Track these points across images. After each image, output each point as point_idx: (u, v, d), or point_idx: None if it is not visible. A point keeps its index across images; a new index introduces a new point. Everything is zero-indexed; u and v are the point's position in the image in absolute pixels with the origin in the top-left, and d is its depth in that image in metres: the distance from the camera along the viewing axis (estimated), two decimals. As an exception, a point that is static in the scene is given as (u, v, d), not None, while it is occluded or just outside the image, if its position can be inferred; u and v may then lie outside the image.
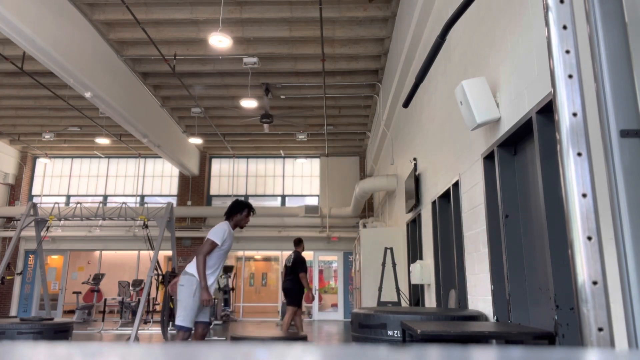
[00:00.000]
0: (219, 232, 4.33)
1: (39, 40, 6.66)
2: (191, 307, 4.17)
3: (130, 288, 12.92)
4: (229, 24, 8.28)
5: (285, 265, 7.99)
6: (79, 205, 9.58)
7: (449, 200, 5.48)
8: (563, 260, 2.83)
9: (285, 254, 15.43)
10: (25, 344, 0.44)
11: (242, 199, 15.58)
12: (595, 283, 1.10)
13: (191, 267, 4.28)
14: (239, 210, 4.50)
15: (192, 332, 4.24)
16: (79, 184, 15.84)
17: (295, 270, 7.73)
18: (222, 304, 13.16)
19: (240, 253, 16.00)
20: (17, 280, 14.89)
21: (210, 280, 4.31)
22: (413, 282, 6.59)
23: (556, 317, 2.77)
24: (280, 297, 15.06)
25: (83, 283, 13.44)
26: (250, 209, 4.56)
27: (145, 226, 9.24)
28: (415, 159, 7.28)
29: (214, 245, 4.28)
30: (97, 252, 15.65)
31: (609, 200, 1.53)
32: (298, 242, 8.17)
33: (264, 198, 15.77)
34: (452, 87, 5.07)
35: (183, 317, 4.15)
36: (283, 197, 15.67)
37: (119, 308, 12.69)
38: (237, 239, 15.11)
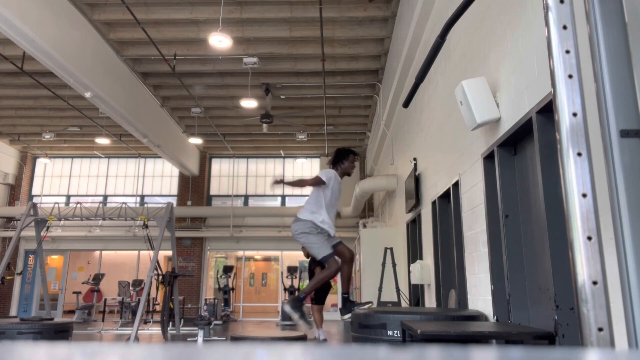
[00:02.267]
0: (324, 172, 4.28)
1: (39, 40, 6.66)
2: (314, 240, 4.14)
3: (130, 288, 12.92)
4: (229, 24, 8.28)
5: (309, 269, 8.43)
6: (79, 205, 9.58)
7: (449, 200, 5.48)
8: (563, 260, 2.83)
9: (285, 254, 15.43)
10: (25, 344, 0.44)
11: (242, 199, 15.60)
12: (595, 283, 1.10)
13: (301, 213, 4.25)
14: (344, 157, 4.42)
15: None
16: (79, 184, 15.84)
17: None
18: (222, 304, 13.16)
19: (240, 253, 15.99)
20: (17, 280, 14.89)
21: (323, 217, 4.24)
22: (413, 282, 6.59)
23: (556, 317, 2.77)
24: (281, 297, 15.06)
25: (83, 283, 13.44)
26: (355, 154, 4.47)
27: (145, 226, 9.24)
28: (415, 159, 7.28)
29: (319, 181, 4.20)
30: (97, 252, 15.66)
31: (609, 200, 1.53)
32: None
33: (264, 198, 15.77)
34: (452, 87, 5.06)
35: (316, 250, 4.13)
36: (283, 197, 15.67)
37: (119, 308, 12.69)
38: (238, 239, 15.11)
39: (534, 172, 3.38)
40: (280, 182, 4.17)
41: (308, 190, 4.47)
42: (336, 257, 4.17)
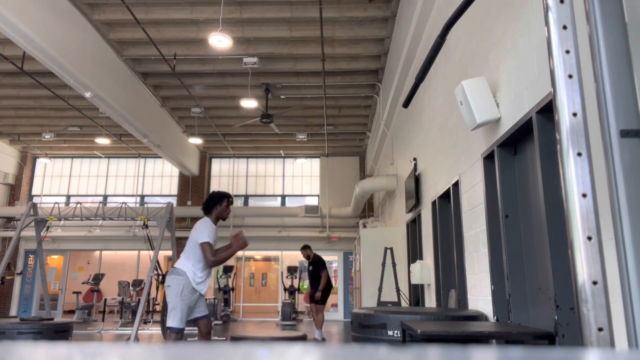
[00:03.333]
0: (205, 230, 4.13)
1: (39, 41, 6.66)
2: (180, 307, 3.99)
3: (130, 288, 12.92)
4: (229, 24, 8.28)
5: (308, 270, 8.53)
6: (79, 205, 9.58)
7: (449, 200, 5.48)
8: (563, 260, 2.83)
9: (285, 254, 15.43)
10: (25, 344, 0.44)
11: (242, 199, 15.60)
12: (595, 283, 1.10)
13: (179, 264, 4.11)
14: (218, 202, 4.29)
15: (182, 334, 4.08)
16: (79, 184, 15.84)
17: (319, 271, 8.35)
18: (222, 304, 13.16)
19: (240, 253, 15.99)
20: (17, 280, 14.89)
21: (203, 281, 4.15)
22: (413, 282, 6.59)
23: (556, 317, 2.77)
24: (281, 297, 15.06)
25: (83, 283, 13.44)
26: (229, 198, 4.34)
27: (145, 226, 9.24)
28: (415, 159, 7.28)
29: (211, 246, 4.12)
30: (97, 252, 15.65)
31: (609, 200, 1.53)
32: (307, 247, 8.74)
33: (264, 198, 15.77)
34: (452, 87, 5.07)
35: (172, 317, 3.99)
36: (283, 197, 15.67)
37: (119, 308, 12.69)
38: (237, 239, 15.09)
39: (534, 172, 3.38)
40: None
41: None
42: (180, 336, 4.04)
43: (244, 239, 4.23)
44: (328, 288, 8.32)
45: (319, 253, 15.03)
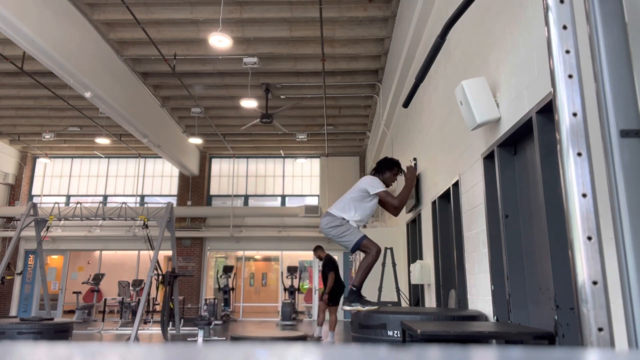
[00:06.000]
0: (376, 183, 4.14)
1: (39, 41, 6.66)
2: (347, 229, 4.01)
3: (130, 288, 12.92)
4: (229, 24, 8.28)
5: (322, 271, 8.53)
6: (79, 205, 9.58)
7: (449, 200, 5.48)
8: (563, 260, 2.83)
9: (285, 254, 15.43)
10: (25, 344, 0.44)
11: (242, 199, 15.60)
12: (595, 283, 1.10)
13: (337, 212, 4.11)
14: (389, 167, 4.31)
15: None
16: (79, 184, 15.84)
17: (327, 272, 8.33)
18: (222, 304, 13.16)
19: (240, 253, 15.99)
20: (17, 280, 14.89)
21: (358, 217, 4.13)
22: (413, 282, 6.59)
23: (556, 317, 2.77)
24: (281, 297, 15.06)
25: (83, 283, 13.44)
26: (399, 167, 4.36)
27: (145, 226, 9.24)
28: (415, 159, 7.28)
29: (388, 192, 4.10)
30: (97, 252, 15.66)
31: (609, 200, 1.52)
32: (319, 248, 8.74)
33: (264, 198, 15.77)
34: (452, 87, 5.07)
35: (350, 237, 4.00)
36: (283, 197, 15.67)
37: (119, 308, 12.69)
38: (237, 239, 15.11)
39: (534, 172, 3.38)
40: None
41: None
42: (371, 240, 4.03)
43: (413, 171, 4.27)
44: (339, 288, 8.24)
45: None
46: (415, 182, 4.28)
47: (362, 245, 4.06)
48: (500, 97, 3.66)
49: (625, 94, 1.54)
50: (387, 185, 4.32)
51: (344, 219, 4.09)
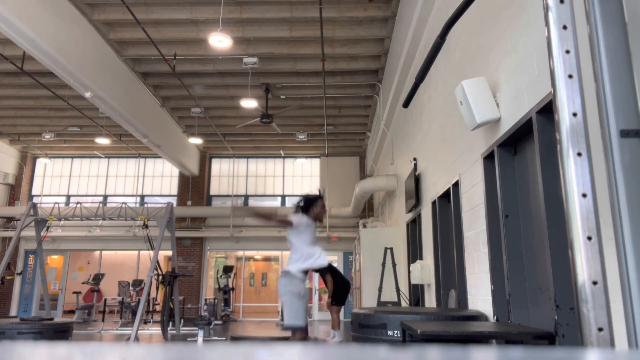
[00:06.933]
0: (297, 218, 4.16)
1: (39, 41, 6.66)
2: (300, 305, 3.95)
3: (130, 288, 12.92)
4: (229, 24, 8.28)
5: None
6: (79, 205, 9.58)
7: (449, 200, 5.48)
8: (563, 260, 2.83)
9: (285, 254, 15.42)
10: (25, 344, 0.44)
11: (242, 199, 15.60)
12: (595, 283, 1.10)
13: (290, 266, 4.07)
14: (313, 203, 4.29)
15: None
16: (79, 184, 15.84)
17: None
18: (222, 304, 13.16)
19: (240, 253, 15.99)
20: (17, 280, 14.89)
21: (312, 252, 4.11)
22: (413, 282, 6.59)
23: (556, 317, 2.77)
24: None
25: (83, 283, 13.44)
26: (322, 197, 4.34)
27: (145, 226, 9.24)
28: (415, 159, 7.28)
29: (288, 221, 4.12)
30: (97, 252, 15.65)
31: (609, 200, 1.52)
32: None
33: (264, 198, 15.77)
34: (452, 87, 5.07)
35: (294, 316, 3.92)
36: (283, 197, 15.66)
37: (119, 308, 12.69)
38: (237, 239, 15.12)
39: (534, 172, 3.38)
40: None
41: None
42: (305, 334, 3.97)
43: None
44: (343, 288, 8.16)
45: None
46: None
47: (294, 333, 3.96)
48: (500, 97, 3.66)
49: (625, 94, 1.54)
50: (320, 220, 4.33)
51: (288, 272, 4.04)
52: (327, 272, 8.12)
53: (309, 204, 4.30)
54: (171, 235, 9.46)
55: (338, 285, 8.16)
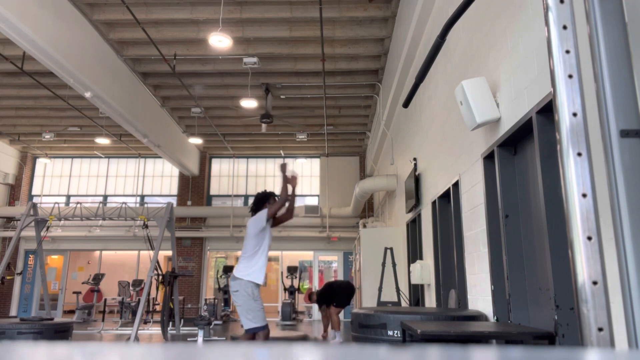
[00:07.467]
0: (259, 215, 4.20)
1: (39, 41, 6.66)
2: (257, 306, 4.03)
3: (130, 288, 12.92)
4: (229, 24, 8.28)
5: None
6: (79, 205, 9.58)
7: (449, 200, 5.48)
8: (563, 260, 2.83)
9: (285, 254, 15.43)
10: (25, 344, 0.44)
11: (242, 199, 15.60)
12: (595, 283, 1.10)
13: (238, 272, 4.12)
14: (265, 200, 4.29)
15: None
16: (79, 184, 15.84)
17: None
18: (222, 304, 13.16)
19: (240, 253, 15.98)
20: (17, 280, 14.89)
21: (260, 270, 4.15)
22: (413, 282, 6.59)
23: (556, 317, 2.77)
24: (281, 297, 15.07)
25: (83, 283, 13.44)
26: (274, 195, 4.35)
27: (145, 226, 9.24)
28: (415, 159, 7.28)
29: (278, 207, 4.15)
30: (97, 252, 15.65)
31: (609, 200, 1.52)
32: (311, 294, 8.55)
33: (264, 198, 15.75)
34: (452, 87, 5.07)
35: (252, 317, 3.99)
36: (283, 197, 15.65)
37: (119, 308, 12.69)
38: (237, 239, 15.12)
39: (534, 172, 3.38)
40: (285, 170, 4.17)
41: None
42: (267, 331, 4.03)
43: (284, 165, 4.24)
44: (352, 291, 8.12)
45: (318, 253, 15.00)
46: (285, 171, 4.23)
47: (257, 335, 4.00)
48: (500, 97, 3.66)
49: (625, 94, 1.54)
50: (280, 220, 4.36)
51: (241, 279, 4.08)
52: (331, 301, 8.00)
53: (261, 203, 4.31)
54: (171, 235, 9.46)
55: (348, 288, 8.08)
